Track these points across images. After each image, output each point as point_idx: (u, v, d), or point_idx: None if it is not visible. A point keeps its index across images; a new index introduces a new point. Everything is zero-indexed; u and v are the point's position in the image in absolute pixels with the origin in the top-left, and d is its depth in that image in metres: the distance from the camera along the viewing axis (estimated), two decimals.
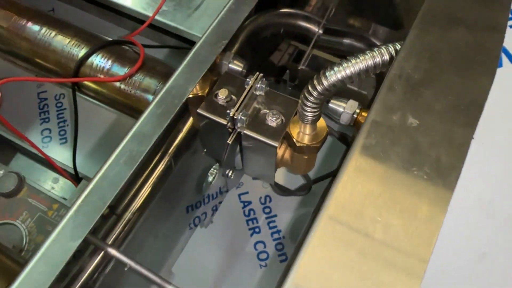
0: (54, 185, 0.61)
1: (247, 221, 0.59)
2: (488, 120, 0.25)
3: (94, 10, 0.75)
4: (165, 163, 0.45)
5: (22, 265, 0.35)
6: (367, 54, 0.33)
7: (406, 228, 0.22)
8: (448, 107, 0.26)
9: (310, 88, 0.35)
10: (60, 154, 0.63)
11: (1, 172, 0.57)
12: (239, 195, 0.61)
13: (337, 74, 0.33)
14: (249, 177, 0.62)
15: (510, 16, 0.29)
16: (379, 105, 0.26)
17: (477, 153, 0.24)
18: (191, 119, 0.47)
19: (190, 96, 0.42)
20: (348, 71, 0.33)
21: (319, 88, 0.35)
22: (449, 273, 0.27)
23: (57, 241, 0.28)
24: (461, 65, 0.27)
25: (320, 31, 0.59)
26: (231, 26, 0.35)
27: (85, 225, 0.27)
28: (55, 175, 0.62)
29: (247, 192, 0.61)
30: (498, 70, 0.27)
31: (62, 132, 0.66)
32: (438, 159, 0.24)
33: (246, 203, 0.60)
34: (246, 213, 0.60)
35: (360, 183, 0.23)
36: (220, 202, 0.59)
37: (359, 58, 0.33)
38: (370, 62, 0.32)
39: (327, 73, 0.34)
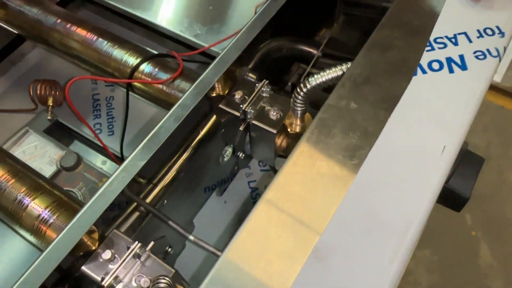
0: (102, 166, 0.77)
1: (253, 202, 0.73)
2: (401, 106, 0.39)
3: (140, 31, 0.92)
4: (191, 149, 0.60)
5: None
6: (336, 67, 0.48)
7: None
8: (377, 98, 0.40)
9: (298, 89, 0.50)
10: (108, 143, 0.79)
11: (64, 151, 0.74)
12: (249, 182, 0.75)
13: (316, 80, 0.49)
14: (258, 168, 0.77)
15: (428, 43, 0.44)
16: (334, 95, 0.41)
17: (390, 124, 0.38)
18: (214, 117, 0.62)
19: (214, 95, 0.58)
20: (323, 79, 0.48)
21: (304, 89, 0.50)
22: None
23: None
24: (390, 73, 0.42)
25: (319, 54, 0.74)
26: (244, 43, 0.51)
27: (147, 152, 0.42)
28: (103, 158, 0.78)
29: (255, 180, 0.76)
30: (414, 77, 0.41)
31: (110, 126, 0.82)
32: (366, 128, 0.38)
33: (254, 189, 0.75)
34: (253, 196, 0.74)
35: (314, 136, 0.38)
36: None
37: (330, 70, 0.48)
38: (338, 73, 0.47)
39: (310, 79, 0.49)
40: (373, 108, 0.40)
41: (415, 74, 0.41)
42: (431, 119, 0.38)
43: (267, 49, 0.73)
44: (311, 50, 0.75)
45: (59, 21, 0.70)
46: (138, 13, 0.84)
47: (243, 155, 0.63)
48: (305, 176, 0.36)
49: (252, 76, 0.63)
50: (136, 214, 0.58)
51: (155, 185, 0.60)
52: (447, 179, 0.56)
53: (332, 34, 0.74)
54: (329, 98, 0.41)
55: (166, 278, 0.41)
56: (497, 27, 0.44)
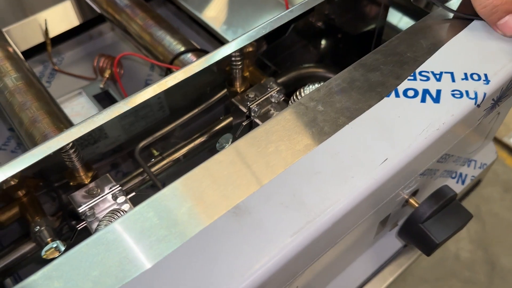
0: None
1: None
2: (363, 118, 0.43)
3: (204, 35, 1.02)
4: (207, 135, 0.67)
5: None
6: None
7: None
8: (343, 107, 0.43)
9: (294, 96, 0.55)
10: None
11: None
12: None
13: (310, 90, 0.53)
14: None
15: (412, 74, 0.47)
16: (307, 96, 0.45)
17: (346, 129, 0.42)
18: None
19: (232, 90, 0.64)
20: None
21: (299, 97, 0.54)
22: None
23: None
24: (364, 90, 0.45)
25: None
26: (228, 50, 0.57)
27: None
28: None
29: None
30: (386, 98, 0.44)
31: None
32: (323, 128, 0.42)
33: None
34: None
35: (280, 122, 0.42)
36: None
37: (323, 84, 0.52)
38: None
39: (305, 88, 0.54)
40: (336, 113, 0.43)
41: (388, 96, 0.44)
42: (385, 133, 0.41)
43: (303, 71, 0.78)
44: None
45: (129, 4, 0.81)
46: (203, 18, 0.94)
47: None
48: (263, 148, 0.41)
49: (274, 87, 0.69)
50: (138, 178, 0.65)
51: (163, 158, 0.67)
52: (424, 219, 0.57)
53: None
54: (302, 98, 0.45)
55: (123, 214, 0.47)
56: (485, 75, 0.46)
